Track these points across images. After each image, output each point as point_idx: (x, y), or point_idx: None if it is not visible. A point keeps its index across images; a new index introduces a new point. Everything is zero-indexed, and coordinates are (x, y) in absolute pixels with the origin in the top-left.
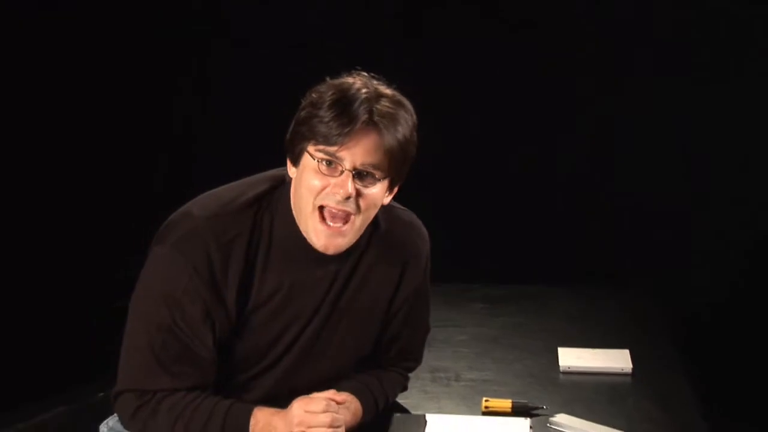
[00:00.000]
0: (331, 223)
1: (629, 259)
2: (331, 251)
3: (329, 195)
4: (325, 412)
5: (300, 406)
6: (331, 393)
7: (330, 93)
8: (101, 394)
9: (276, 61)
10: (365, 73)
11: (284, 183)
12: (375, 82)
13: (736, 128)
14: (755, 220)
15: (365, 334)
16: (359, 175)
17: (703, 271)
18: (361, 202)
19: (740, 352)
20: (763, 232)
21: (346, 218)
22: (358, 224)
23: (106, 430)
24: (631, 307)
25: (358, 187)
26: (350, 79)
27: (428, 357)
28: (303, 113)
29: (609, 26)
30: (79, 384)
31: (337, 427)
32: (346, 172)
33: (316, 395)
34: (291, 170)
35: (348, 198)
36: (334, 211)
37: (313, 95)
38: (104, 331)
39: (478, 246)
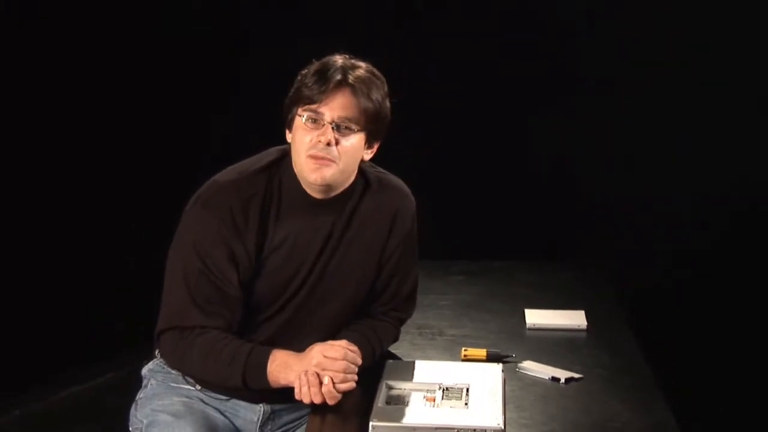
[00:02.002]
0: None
1: (587, 238)
2: (319, 181)
3: (316, 145)
4: (342, 359)
5: (320, 351)
6: (345, 342)
7: (314, 66)
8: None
9: None
10: (347, 54)
11: (289, 152)
12: (353, 59)
13: (688, 115)
14: (702, 206)
15: (362, 278)
16: (338, 127)
17: (649, 249)
18: (341, 150)
19: (680, 312)
20: (710, 216)
21: (329, 161)
22: (340, 166)
23: (146, 371)
24: (586, 279)
25: (337, 137)
26: (332, 56)
27: (415, 317)
28: (294, 86)
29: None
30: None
31: (350, 373)
32: (326, 124)
33: (334, 342)
34: (288, 136)
35: (329, 145)
36: (319, 155)
37: (302, 71)
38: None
39: (456, 228)
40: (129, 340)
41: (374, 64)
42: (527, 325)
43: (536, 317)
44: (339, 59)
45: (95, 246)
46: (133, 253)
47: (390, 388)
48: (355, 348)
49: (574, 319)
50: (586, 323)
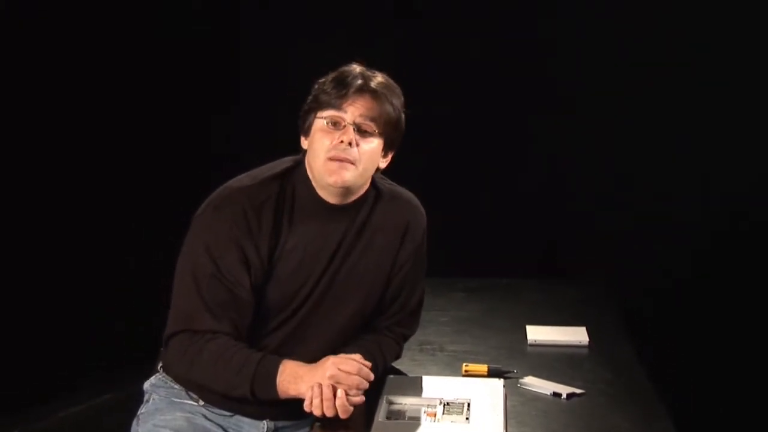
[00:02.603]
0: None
1: (588, 256)
2: (339, 183)
3: (336, 146)
4: (357, 373)
5: (335, 363)
6: (359, 356)
7: (331, 75)
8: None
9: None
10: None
11: (303, 161)
12: (370, 69)
13: (688, 115)
14: (696, 225)
15: (371, 289)
16: (359, 129)
17: (649, 267)
18: (361, 152)
19: (680, 330)
20: (705, 235)
21: (349, 162)
22: (360, 169)
23: (149, 386)
24: (588, 295)
25: (357, 138)
26: (349, 65)
27: (416, 333)
28: (311, 94)
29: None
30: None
31: (361, 387)
32: (347, 125)
33: (348, 356)
34: (304, 143)
35: (350, 144)
36: (340, 156)
37: (320, 80)
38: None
39: (459, 246)
40: (130, 346)
41: (374, 65)
42: (528, 341)
43: (537, 333)
44: (357, 67)
45: (95, 246)
46: (133, 253)
47: (390, 403)
48: (368, 363)
49: (575, 335)
50: (587, 339)
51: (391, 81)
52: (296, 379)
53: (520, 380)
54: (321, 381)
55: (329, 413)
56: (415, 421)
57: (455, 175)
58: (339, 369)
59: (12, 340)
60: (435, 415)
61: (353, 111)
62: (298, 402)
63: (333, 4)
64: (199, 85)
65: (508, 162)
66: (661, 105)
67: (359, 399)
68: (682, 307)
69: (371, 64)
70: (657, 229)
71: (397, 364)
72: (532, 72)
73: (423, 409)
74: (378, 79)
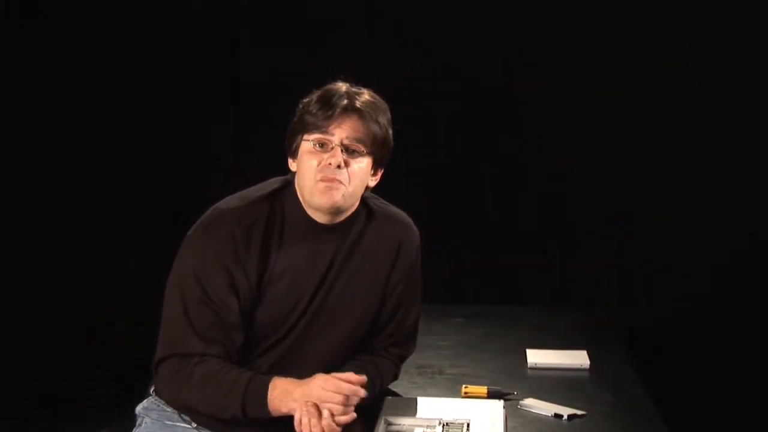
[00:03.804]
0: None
1: (589, 284)
2: (330, 203)
3: (324, 168)
4: (340, 392)
5: (319, 384)
6: (347, 375)
7: (316, 94)
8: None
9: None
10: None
11: (292, 181)
12: (355, 87)
13: (688, 115)
14: (695, 249)
15: (364, 311)
16: (346, 149)
17: (650, 293)
18: (350, 173)
19: (684, 354)
20: (705, 258)
21: (339, 183)
22: (350, 189)
23: (141, 409)
24: (588, 320)
25: (346, 159)
26: (334, 84)
27: (414, 357)
28: (297, 115)
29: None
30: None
31: (349, 406)
32: (335, 147)
33: (334, 375)
34: (292, 165)
35: (339, 167)
36: (329, 177)
37: (304, 100)
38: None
39: (457, 271)
40: (130, 346)
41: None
42: (528, 364)
43: (538, 357)
44: (342, 86)
45: (95, 246)
46: (134, 253)
47: (389, 423)
48: (356, 378)
49: (576, 358)
50: (588, 362)
51: (377, 98)
52: (287, 395)
53: (521, 402)
54: (309, 398)
55: None
56: None
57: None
58: (323, 389)
59: (11, 341)
60: None
61: (340, 133)
62: (291, 421)
63: (333, 3)
64: (200, 84)
65: (506, 183)
66: (661, 105)
67: (346, 418)
68: (685, 328)
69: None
70: (658, 251)
71: (395, 387)
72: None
73: (422, 429)
74: (364, 97)
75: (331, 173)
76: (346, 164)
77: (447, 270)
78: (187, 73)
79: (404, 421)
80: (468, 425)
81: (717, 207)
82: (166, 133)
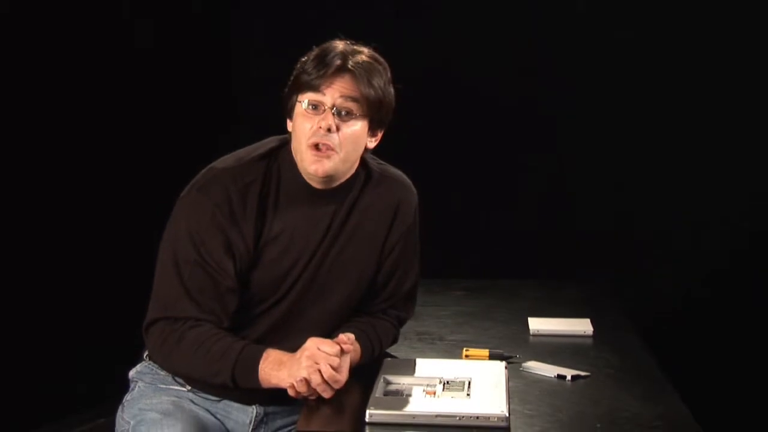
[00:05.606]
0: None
1: (590, 258)
2: (320, 173)
3: (317, 132)
4: (335, 355)
5: (314, 343)
6: (343, 336)
7: (313, 53)
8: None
9: None
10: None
11: (289, 140)
12: (355, 45)
13: (688, 115)
14: (699, 229)
15: (361, 273)
16: (339, 112)
17: (650, 293)
18: (342, 137)
19: (684, 354)
20: (715, 225)
21: (330, 150)
22: (342, 155)
23: (134, 374)
24: (591, 295)
25: (338, 122)
26: (332, 42)
27: (414, 324)
28: (293, 74)
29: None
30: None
31: (340, 368)
32: (327, 110)
33: (329, 340)
34: (289, 124)
35: (329, 131)
36: (320, 144)
37: (302, 59)
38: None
39: (458, 248)
40: (130, 346)
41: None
42: (531, 331)
43: (540, 324)
44: (339, 44)
45: (95, 246)
46: (133, 253)
47: (388, 383)
48: (353, 338)
49: (579, 325)
50: (591, 329)
51: (375, 56)
52: (279, 366)
53: (523, 364)
54: (300, 357)
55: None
56: (414, 397)
57: (452, 176)
58: (318, 348)
59: (11, 340)
60: (434, 393)
61: (332, 93)
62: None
63: (333, 3)
64: (198, 83)
65: (509, 164)
66: (661, 105)
67: (340, 376)
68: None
69: None
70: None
71: (394, 351)
72: (532, 72)
73: (422, 388)
74: (360, 56)
75: (322, 138)
76: (338, 128)
77: (447, 246)
78: (187, 72)
79: (403, 380)
80: (469, 383)
81: (717, 207)
82: (165, 133)
